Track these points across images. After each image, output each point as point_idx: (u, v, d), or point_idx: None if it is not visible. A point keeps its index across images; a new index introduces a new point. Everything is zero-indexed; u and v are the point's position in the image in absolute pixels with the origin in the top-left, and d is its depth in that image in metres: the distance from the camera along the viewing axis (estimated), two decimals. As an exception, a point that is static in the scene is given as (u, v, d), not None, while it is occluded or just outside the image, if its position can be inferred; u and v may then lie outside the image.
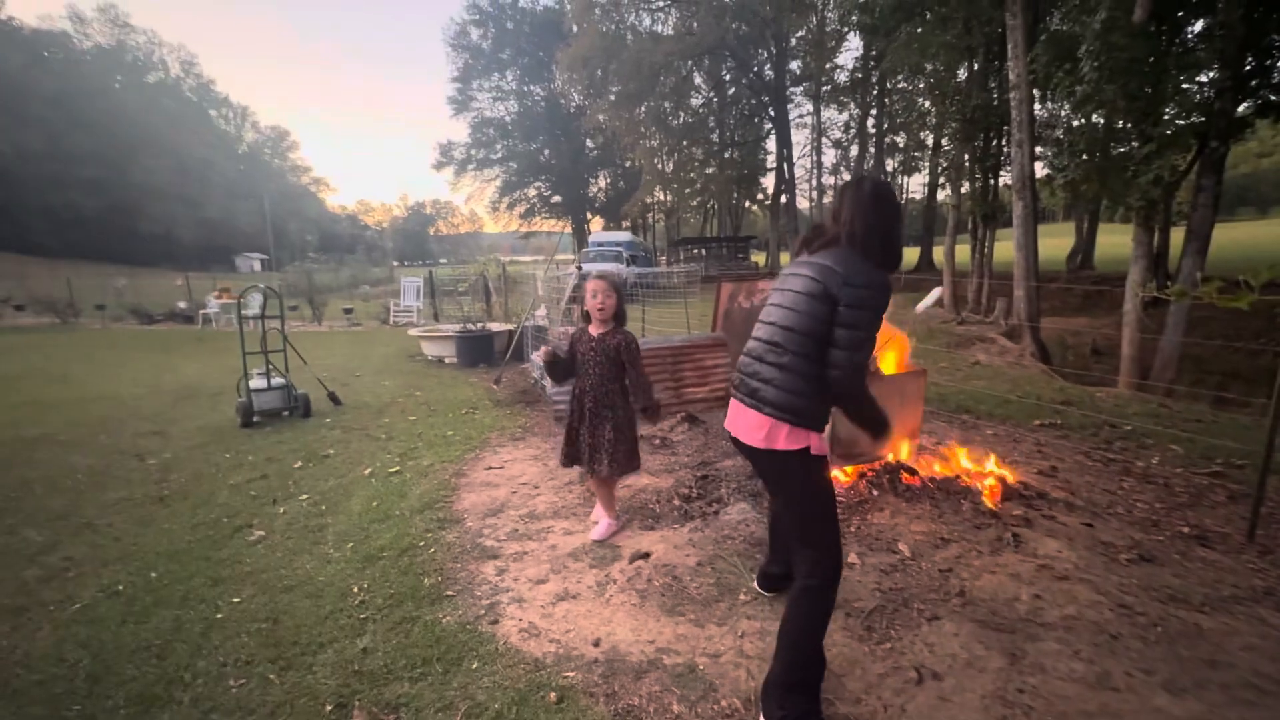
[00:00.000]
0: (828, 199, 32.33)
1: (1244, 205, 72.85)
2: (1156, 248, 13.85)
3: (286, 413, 5.77)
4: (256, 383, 5.63)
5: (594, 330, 3.02)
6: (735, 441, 1.91)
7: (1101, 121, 8.57)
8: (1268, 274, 2.76)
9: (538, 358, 2.96)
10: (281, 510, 3.61)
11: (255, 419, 5.51)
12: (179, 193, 49.79)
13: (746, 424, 1.84)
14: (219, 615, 2.53)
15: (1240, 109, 13.03)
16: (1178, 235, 11.97)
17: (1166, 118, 8.18)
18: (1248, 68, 12.15)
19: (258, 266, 52.54)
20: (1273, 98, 13.69)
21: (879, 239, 1.78)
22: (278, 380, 5.72)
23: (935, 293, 2.87)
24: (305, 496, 3.81)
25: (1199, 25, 12.21)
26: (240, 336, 5.74)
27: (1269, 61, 12.90)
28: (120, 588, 2.78)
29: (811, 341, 1.74)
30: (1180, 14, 11.43)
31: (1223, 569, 2.64)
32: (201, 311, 15.36)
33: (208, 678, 2.15)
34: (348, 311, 15.68)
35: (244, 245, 57.09)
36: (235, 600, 2.64)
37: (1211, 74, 9.93)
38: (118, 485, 4.10)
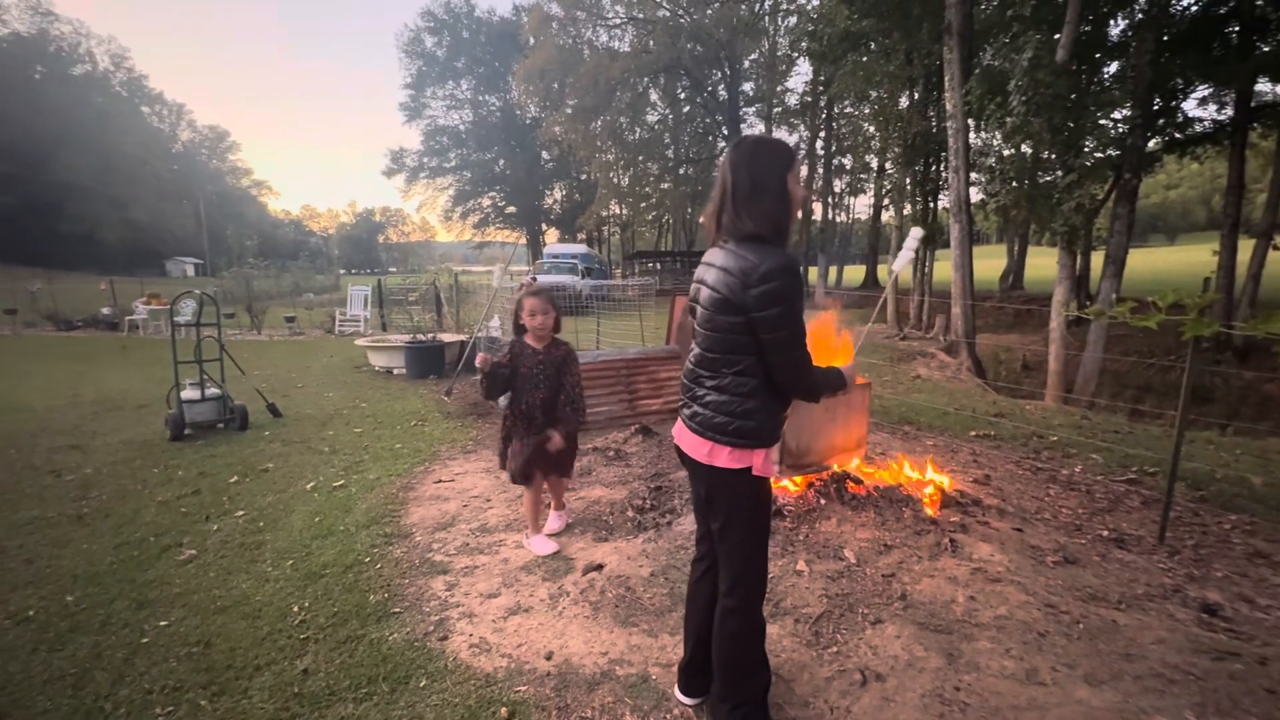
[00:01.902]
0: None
1: (1155, 233, 79.06)
2: (1079, 270, 14.90)
3: (222, 425, 5.49)
4: (189, 393, 5.34)
5: (536, 344, 3.02)
6: (678, 450, 1.83)
7: (1029, 151, 9.17)
8: (1173, 296, 3.01)
9: (478, 364, 2.89)
10: (215, 527, 3.43)
11: (187, 432, 5.23)
12: (105, 192, 46.75)
13: (690, 440, 1.76)
14: (144, 640, 2.38)
15: (1150, 144, 14.20)
16: (1098, 259, 12.90)
17: (1086, 150, 8.83)
18: (1156, 107, 13.28)
19: (191, 271, 49.92)
20: (1178, 135, 14.99)
21: (754, 215, 1.57)
22: (212, 391, 5.45)
23: (914, 235, 2.69)
24: (242, 513, 3.63)
25: (1114, 67, 13.31)
26: (172, 344, 5.44)
27: (1173, 102, 14.14)
28: (31, 614, 2.58)
29: (740, 356, 1.62)
30: (1098, 55, 12.42)
31: (1137, 569, 2.84)
32: (128, 318, 14.47)
33: (131, 707, 2.02)
34: (290, 320, 15.06)
35: (176, 249, 54.12)
36: (163, 623, 2.49)
37: (1125, 112, 10.81)
38: (29, 503, 3.80)
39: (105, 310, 15.70)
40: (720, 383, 1.66)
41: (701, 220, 1.74)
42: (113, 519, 3.56)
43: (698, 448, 1.71)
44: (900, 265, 2.71)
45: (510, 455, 3.06)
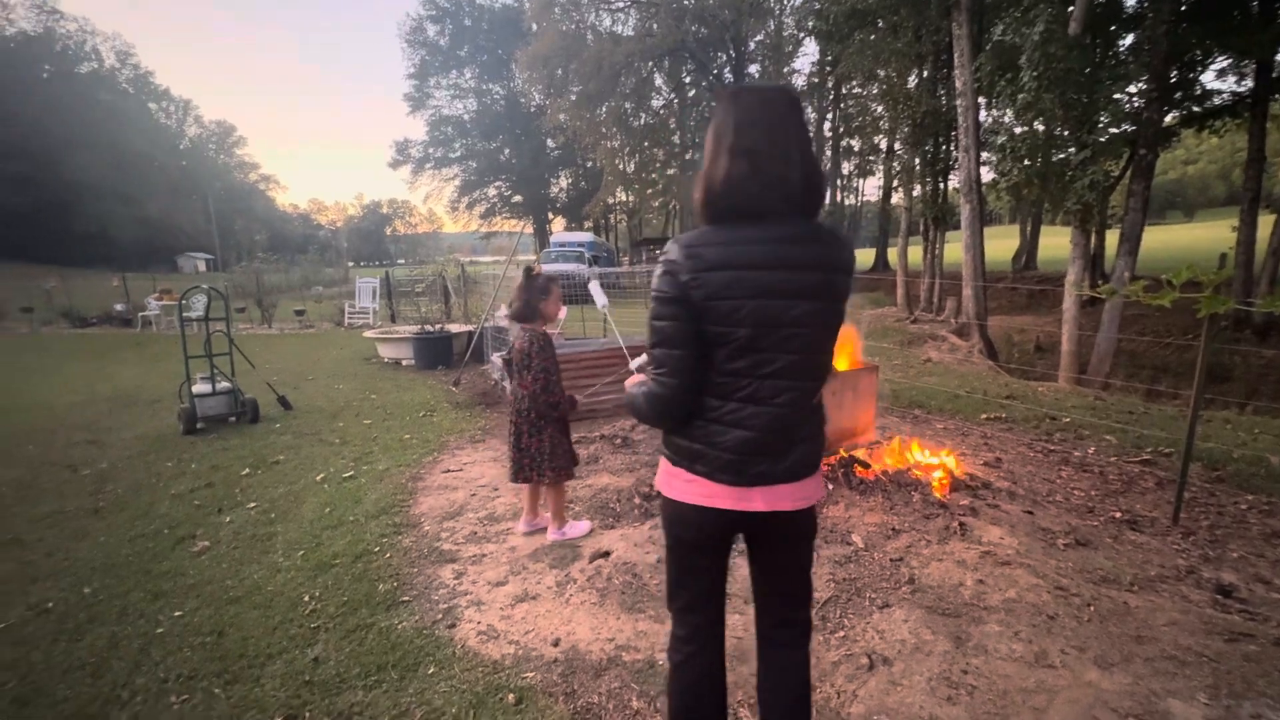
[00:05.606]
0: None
1: (1173, 209, 77.39)
2: (1093, 249, 14.64)
3: (233, 418, 5.55)
4: (200, 387, 5.40)
5: (549, 330, 3.00)
6: (754, 521, 1.32)
7: (1041, 128, 8.97)
8: (1187, 273, 2.95)
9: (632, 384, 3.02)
10: (228, 519, 3.48)
11: (199, 425, 5.29)
12: (115, 189, 47.08)
13: (793, 493, 1.32)
14: (159, 630, 2.42)
15: (1167, 119, 13.84)
16: (1113, 238, 12.66)
17: (1100, 126, 8.62)
18: (1173, 80, 12.92)
19: (202, 267, 50.33)
20: (1195, 109, 14.60)
21: (822, 184, 1.31)
22: (223, 384, 5.50)
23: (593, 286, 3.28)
24: (253, 505, 3.67)
25: (1129, 39, 12.96)
26: (182, 339, 5.50)
27: (1191, 75, 13.75)
28: (50, 605, 2.63)
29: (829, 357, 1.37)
30: (1112, 28, 12.09)
31: (1150, 551, 2.81)
32: (141, 314, 14.63)
33: (147, 695, 2.06)
34: (299, 313, 15.17)
35: (187, 245, 54.56)
36: (177, 614, 2.53)
37: (1141, 85, 10.54)
38: (48, 498, 3.87)
39: (118, 307, 15.87)
40: (817, 399, 1.33)
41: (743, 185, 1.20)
42: (128, 512, 3.62)
43: (807, 495, 1.32)
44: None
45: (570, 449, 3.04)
